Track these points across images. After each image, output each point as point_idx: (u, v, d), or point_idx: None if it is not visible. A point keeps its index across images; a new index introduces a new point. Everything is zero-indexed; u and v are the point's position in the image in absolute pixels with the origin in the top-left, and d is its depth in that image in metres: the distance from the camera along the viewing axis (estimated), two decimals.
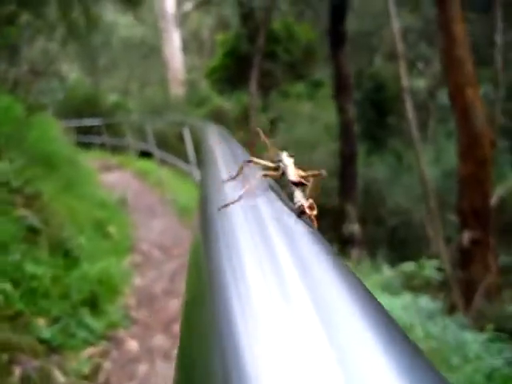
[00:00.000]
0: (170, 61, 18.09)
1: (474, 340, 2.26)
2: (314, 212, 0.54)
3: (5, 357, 2.26)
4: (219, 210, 0.51)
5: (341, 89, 9.19)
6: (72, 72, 18.69)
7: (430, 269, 3.68)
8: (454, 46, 5.88)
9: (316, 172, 0.65)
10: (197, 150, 5.19)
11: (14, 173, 3.62)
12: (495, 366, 2.15)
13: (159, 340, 2.88)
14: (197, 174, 4.79)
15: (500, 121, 8.41)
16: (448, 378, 0.27)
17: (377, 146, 13.02)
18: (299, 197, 0.58)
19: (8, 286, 2.60)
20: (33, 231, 3.20)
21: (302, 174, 0.65)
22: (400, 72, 7.70)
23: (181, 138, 6.10)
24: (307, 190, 0.61)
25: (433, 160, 11.53)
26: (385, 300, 2.71)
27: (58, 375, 2.36)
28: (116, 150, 11.48)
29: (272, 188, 0.65)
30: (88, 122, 11.85)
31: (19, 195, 3.48)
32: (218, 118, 12.23)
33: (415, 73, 14.49)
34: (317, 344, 0.25)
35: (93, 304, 3.01)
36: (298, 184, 0.62)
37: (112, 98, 17.27)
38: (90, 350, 2.67)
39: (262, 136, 0.74)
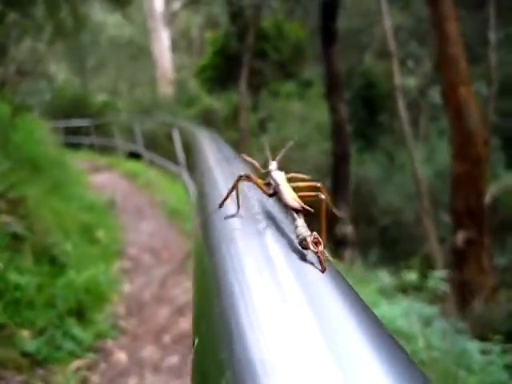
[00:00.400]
0: (159, 60, 17.98)
1: (476, 349, 2.20)
2: (321, 248, 0.45)
3: None
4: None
5: (332, 88, 9.09)
6: (60, 72, 18.52)
7: (435, 280, 3.58)
8: (448, 44, 5.82)
9: (312, 184, 0.61)
10: (186, 152, 5.11)
11: None
12: (502, 378, 2.08)
13: (148, 351, 2.77)
14: (186, 176, 4.71)
15: (492, 119, 8.37)
16: None
17: (368, 145, 12.97)
18: (301, 228, 0.49)
19: None
20: (16, 238, 3.08)
21: (298, 194, 0.56)
22: (393, 70, 7.64)
23: (170, 138, 6.02)
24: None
25: (425, 159, 11.50)
26: (385, 308, 2.64)
27: None
28: (105, 150, 11.35)
29: (270, 214, 0.57)
30: (76, 122, 11.74)
31: (2, 200, 3.36)
32: (207, 117, 12.15)
33: (405, 71, 14.46)
34: (316, 349, 0.28)
35: (79, 313, 2.90)
36: (298, 211, 0.53)
37: (101, 98, 17.15)
38: (76, 363, 2.57)
39: (267, 153, 0.70)
